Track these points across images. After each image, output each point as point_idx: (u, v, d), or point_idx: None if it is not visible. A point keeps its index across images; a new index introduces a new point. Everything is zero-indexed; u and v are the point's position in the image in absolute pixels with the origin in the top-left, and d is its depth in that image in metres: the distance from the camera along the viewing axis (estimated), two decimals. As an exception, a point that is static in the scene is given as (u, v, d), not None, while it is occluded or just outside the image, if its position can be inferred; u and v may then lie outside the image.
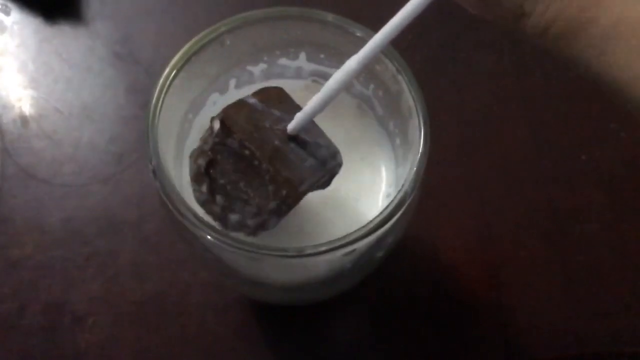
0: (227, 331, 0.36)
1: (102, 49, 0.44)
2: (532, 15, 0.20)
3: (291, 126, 0.23)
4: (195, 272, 0.37)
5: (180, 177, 0.28)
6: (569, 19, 0.19)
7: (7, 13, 0.45)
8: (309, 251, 0.22)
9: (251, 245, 0.22)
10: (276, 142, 0.23)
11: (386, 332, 0.37)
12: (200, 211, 0.24)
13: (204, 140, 0.23)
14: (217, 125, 0.23)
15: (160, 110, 0.25)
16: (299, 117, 0.23)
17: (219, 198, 0.23)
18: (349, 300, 0.37)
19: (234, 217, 0.23)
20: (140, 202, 0.39)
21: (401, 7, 0.21)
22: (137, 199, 0.39)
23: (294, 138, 0.23)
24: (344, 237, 0.23)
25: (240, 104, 0.24)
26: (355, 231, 0.23)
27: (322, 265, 0.27)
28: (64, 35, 0.44)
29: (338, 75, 0.22)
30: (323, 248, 0.22)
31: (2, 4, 0.45)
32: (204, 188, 0.23)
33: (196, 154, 0.24)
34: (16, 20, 0.44)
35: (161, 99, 0.25)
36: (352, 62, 0.22)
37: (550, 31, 0.20)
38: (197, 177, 0.24)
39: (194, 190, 0.24)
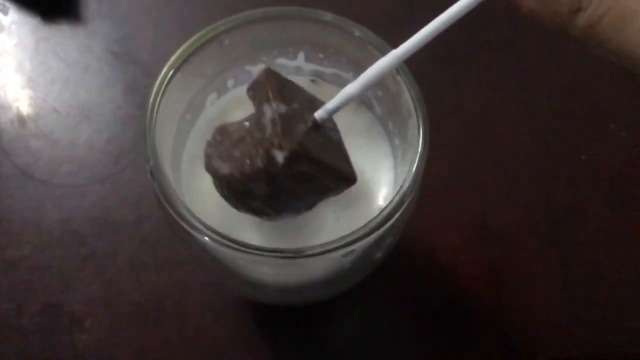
0: (226, 332, 0.36)
1: (100, 48, 0.43)
2: (589, 8, 0.20)
3: (320, 112, 0.22)
4: (194, 273, 0.37)
5: (178, 177, 0.28)
6: (624, 6, 0.20)
7: (5, 12, 0.44)
8: (307, 252, 0.22)
9: (249, 246, 0.22)
10: (302, 124, 0.21)
11: (386, 332, 0.36)
12: (197, 210, 0.23)
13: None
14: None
15: (157, 110, 0.24)
16: (341, 95, 0.22)
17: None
18: (348, 300, 0.37)
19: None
20: (138, 202, 0.38)
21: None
22: (135, 200, 0.39)
23: (317, 128, 0.22)
24: (343, 237, 0.22)
25: (277, 73, 0.23)
26: (355, 231, 0.23)
27: (320, 266, 0.26)
28: (62, 34, 0.44)
29: (382, 62, 0.22)
30: (322, 249, 0.22)
31: (0, 4, 0.45)
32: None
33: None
34: (14, 19, 0.44)
35: (159, 99, 0.25)
36: (398, 51, 0.22)
37: (602, 21, 0.20)
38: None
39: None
